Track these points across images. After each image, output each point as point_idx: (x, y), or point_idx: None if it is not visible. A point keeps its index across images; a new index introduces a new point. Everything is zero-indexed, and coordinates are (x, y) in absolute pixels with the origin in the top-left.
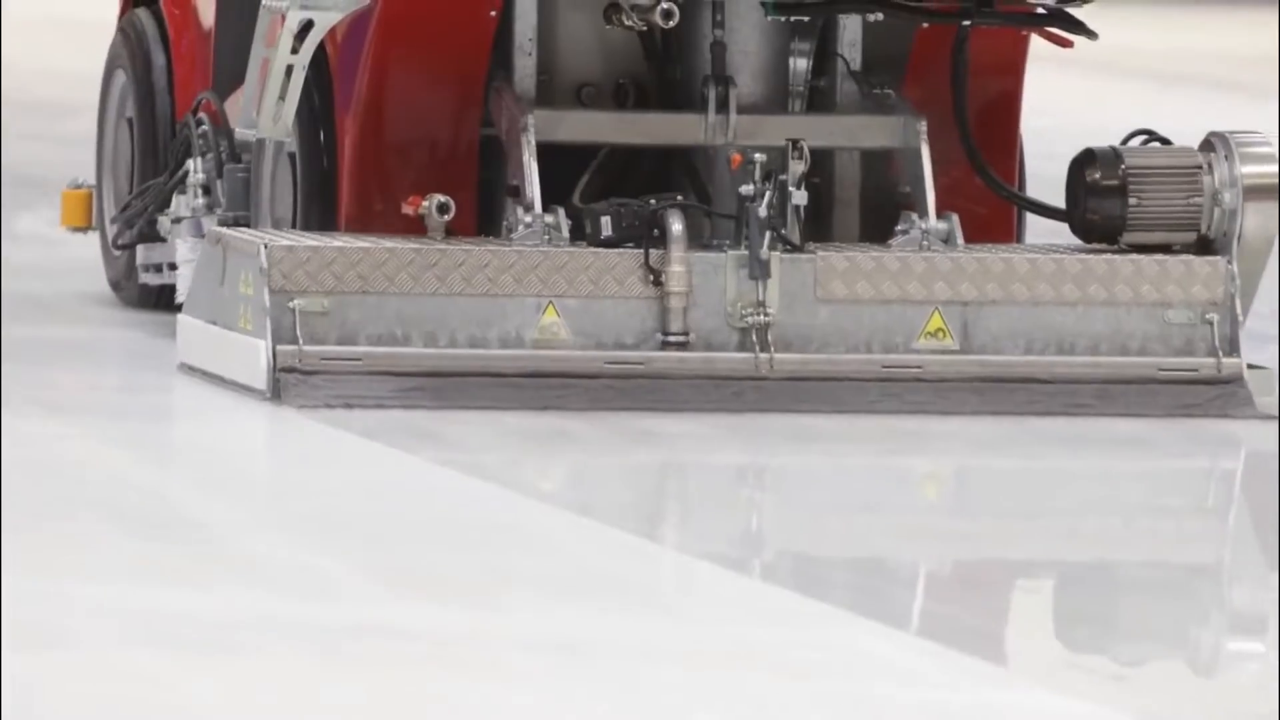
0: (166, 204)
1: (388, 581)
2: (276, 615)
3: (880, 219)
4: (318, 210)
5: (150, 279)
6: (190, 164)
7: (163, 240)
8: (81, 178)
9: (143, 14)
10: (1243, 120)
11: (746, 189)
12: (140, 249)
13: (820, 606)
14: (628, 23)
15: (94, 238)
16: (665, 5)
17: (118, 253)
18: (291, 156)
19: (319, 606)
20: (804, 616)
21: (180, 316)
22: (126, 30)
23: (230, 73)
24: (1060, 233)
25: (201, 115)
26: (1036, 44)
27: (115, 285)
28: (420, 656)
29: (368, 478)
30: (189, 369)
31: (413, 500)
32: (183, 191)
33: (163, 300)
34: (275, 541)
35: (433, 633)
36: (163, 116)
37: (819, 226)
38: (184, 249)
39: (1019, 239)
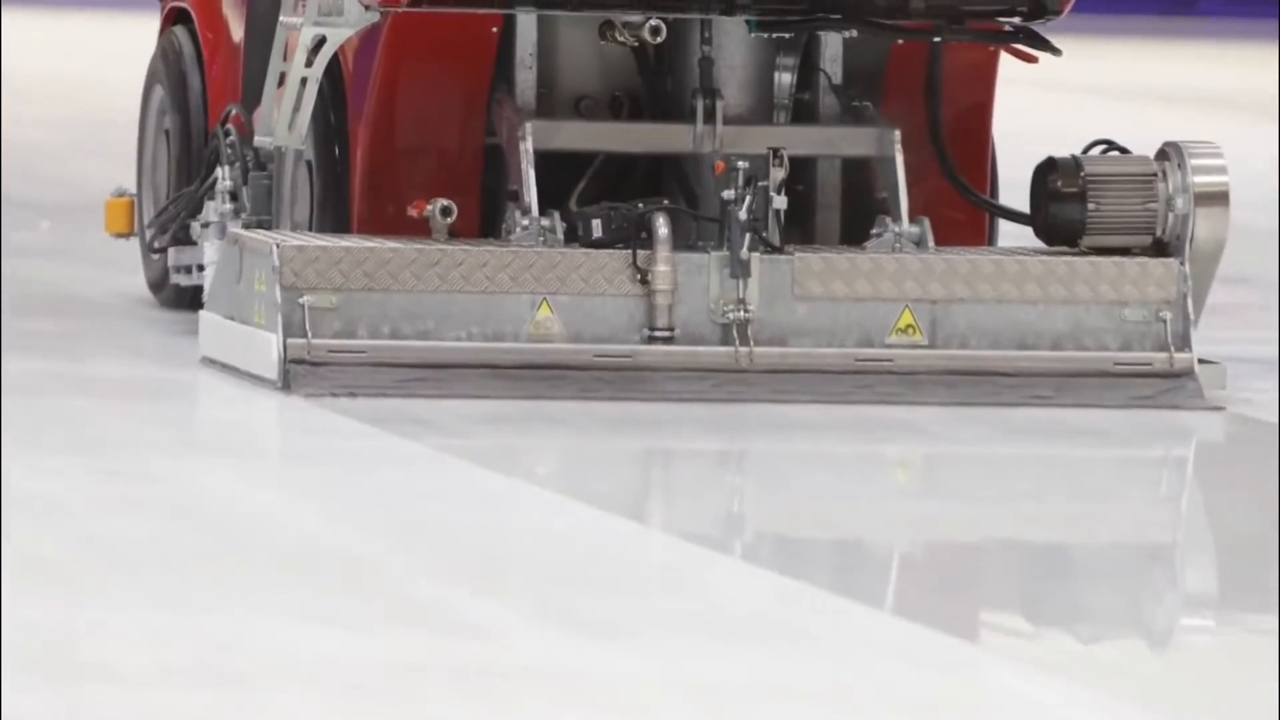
0: (198, 210)
1: (542, 623)
2: (436, 657)
3: (861, 223)
4: (332, 214)
5: (181, 280)
6: (219, 172)
7: (194, 244)
8: (125, 187)
9: (180, 32)
10: (1223, 136)
11: (728, 193)
12: (171, 252)
13: (953, 642)
14: (620, 39)
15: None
16: (653, 22)
17: (155, 256)
18: (308, 164)
19: (477, 648)
20: (935, 652)
21: (202, 313)
22: (165, 48)
23: (257, 87)
24: (1029, 236)
25: (229, 127)
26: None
27: (153, 287)
28: (580, 698)
29: (509, 517)
30: (209, 362)
31: (566, 543)
32: (212, 198)
33: (196, 300)
34: (429, 582)
35: (595, 675)
36: (197, 129)
37: (803, 230)
38: (211, 251)
39: (991, 242)
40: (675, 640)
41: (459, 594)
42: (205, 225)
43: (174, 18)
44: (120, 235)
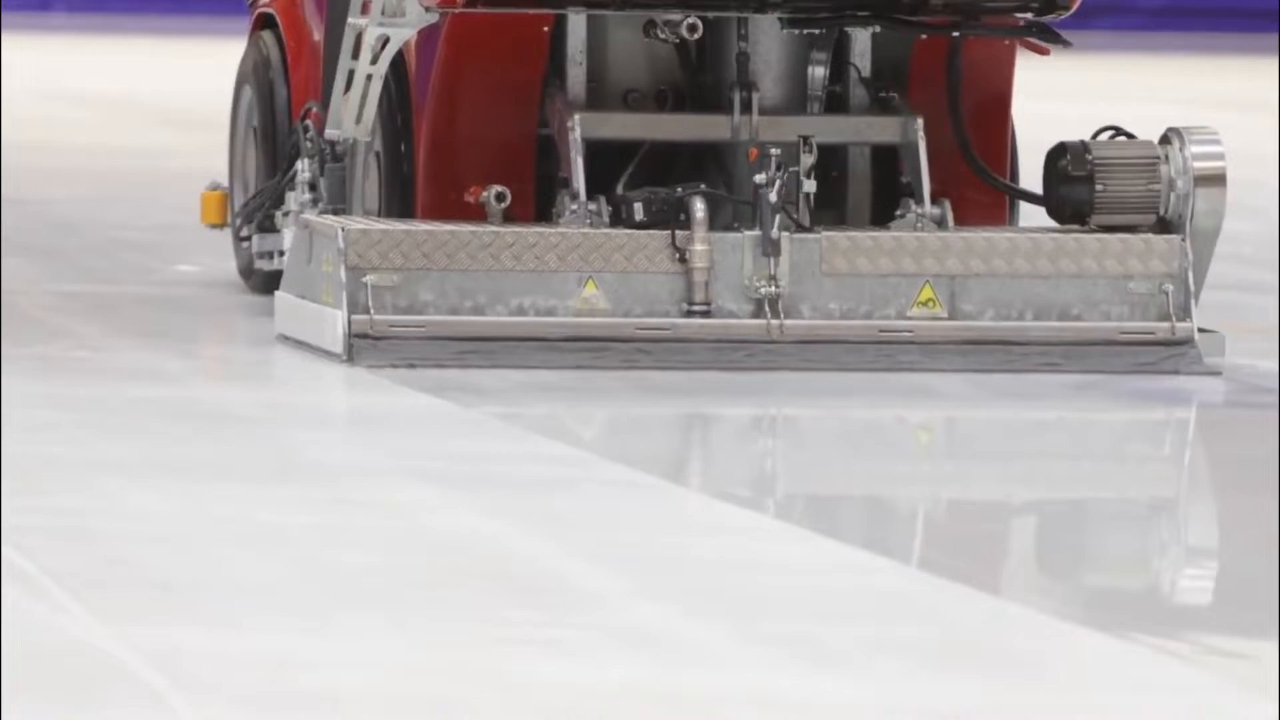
0: (281, 200)
1: (759, 647)
2: (657, 682)
3: (890, 206)
4: (398, 200)
5: (263, 265)
6: (299, 165)
7: (278, 232)
8: (219, 181)
9: (267, 37)
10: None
11: (760, 178)
12: (255, 239)
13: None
14: (662, 36)
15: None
16: (690, 20)
17: (244, 244)
18: (377, 155)
19: (696, 673)
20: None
21: (278, 294)
22: (253, 51)
23: (334, 86)
24: (1045, 216)
25: (309, 123)
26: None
27: (243, 273)
28: None
29: (725, 542)
30: (284, 339)
31: (784, 567)
32: (293, 188)
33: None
34: (645, 606)
35: (809, 703)
36: (282, 126)
37: (837, 213)
38: (290, 238)
39: (1013, 222)
40: (897, 666)
41: (676, 619)
42: (286, 214)
43: (262, 23)
44: (214, 226)
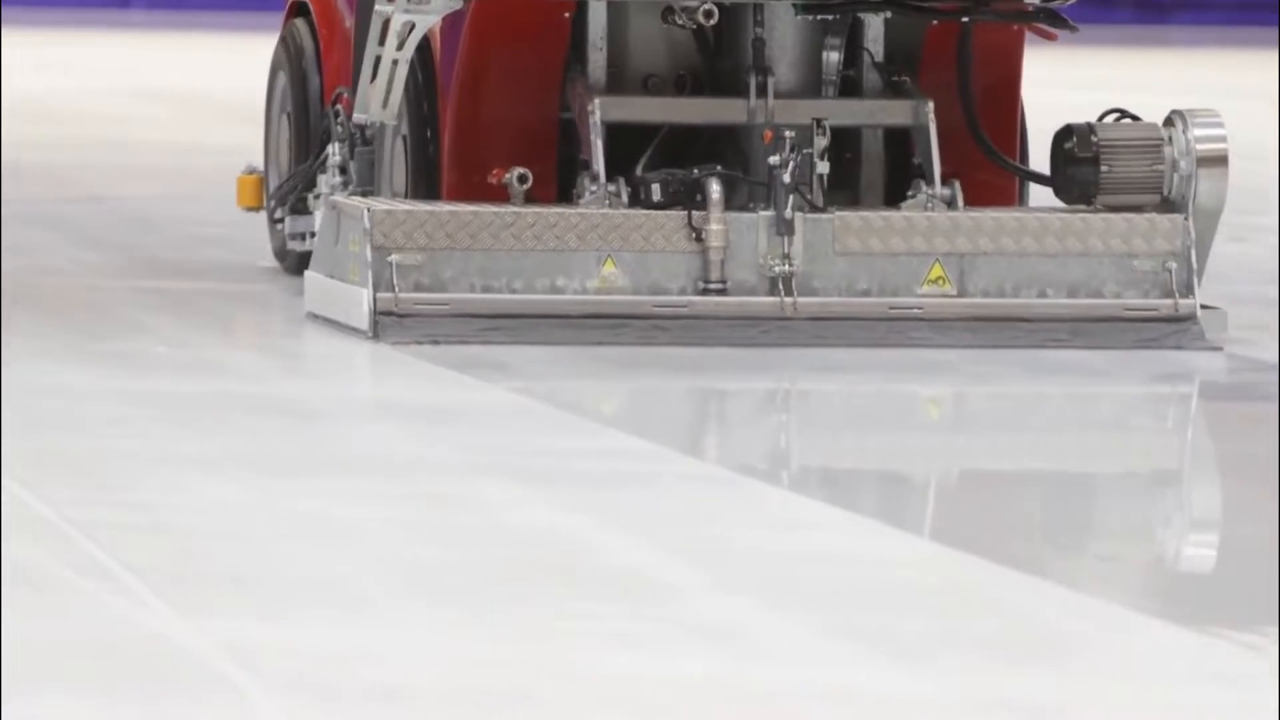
0: (313, 183)
1: (835, 640)
2: (732, 676)
3: (901, 187)
4: (424, 183)
5: (296, 246)
6: (330, 149)
7: (310, 214)
8: (254, 165)
9: (300, 25)
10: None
11: (774, 159)
12: (288, 220)
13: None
14: (680, 22)
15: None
16: (706, 6)
17: (278, 226)
18: (404, 139)
19: (771, 668)
20: (1229, 668)
21: (307, 273)
22: (287, 40)
23: (362, 71)
24: (1052, 196)
25: (339, 108)
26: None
27: (278, 255)
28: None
29: (796, 535)
30: (314, 317)
31: (856, 559)
32: (324, 171)
33: None
34: (717, 600)
35: (885, 696)
36: (314, 112)
37: (850, 193)
38: (320, 219)
39: (1023, 203)
40: (973, 659)
41: (752, 612)
42: (318, 196)
43: (295, 11)
44: (250, 209)
